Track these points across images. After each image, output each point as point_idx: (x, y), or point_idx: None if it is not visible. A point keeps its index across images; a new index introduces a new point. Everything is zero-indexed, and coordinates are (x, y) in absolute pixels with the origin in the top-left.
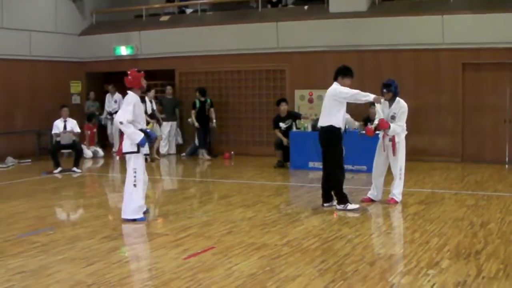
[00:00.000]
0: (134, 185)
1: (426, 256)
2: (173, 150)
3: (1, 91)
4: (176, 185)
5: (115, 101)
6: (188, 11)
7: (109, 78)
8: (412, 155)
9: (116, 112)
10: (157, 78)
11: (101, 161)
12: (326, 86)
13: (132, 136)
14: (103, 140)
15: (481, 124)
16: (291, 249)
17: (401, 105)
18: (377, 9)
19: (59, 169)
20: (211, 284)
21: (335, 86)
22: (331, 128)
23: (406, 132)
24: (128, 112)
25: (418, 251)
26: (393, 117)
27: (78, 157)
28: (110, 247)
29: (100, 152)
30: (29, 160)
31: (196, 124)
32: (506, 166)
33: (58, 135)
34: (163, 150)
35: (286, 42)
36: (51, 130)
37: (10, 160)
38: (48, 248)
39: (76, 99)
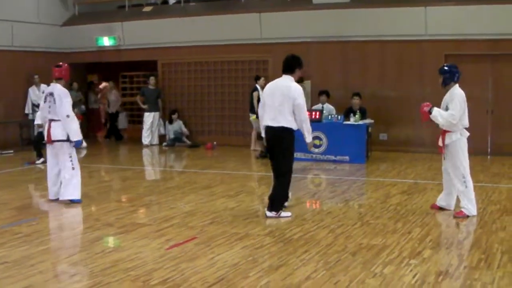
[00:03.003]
0: (73, 168)
1: (408, 246)
2: (155, 140)
3: None
4: (158, 175)
5: (43, 92)
6: (171, 1)
7: (92, 69)
8: (395, 146)
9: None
10: (140, 69)
11: (84, 152)
12: (309, 77)
13: (77, 133)
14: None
15: None
16: (273, 239)
17: (454, 92)
18: (360, 0)
19: (42, 159)
20: (193, 274)
21: (294, 84)
22: (289, 129)
23: (463, 130)
24: (69, 104)
25: (401, 241)
26: (447, 109)
27: None
28: (93, 237)
29: (84, 143)
30: (11, 151)
31: None
32: (488, 156)
33: (41, 125)
34: (145, 140)
35: (269, 33)
36: (33, 120)
37: None
38: (31, 238)
39: None
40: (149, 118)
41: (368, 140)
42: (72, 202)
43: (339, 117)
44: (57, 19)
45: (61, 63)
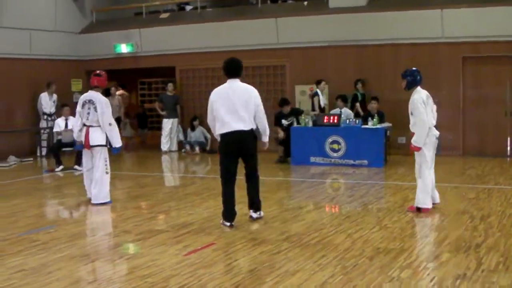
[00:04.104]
0: (106, 173)
1: (426, 250)
2: (174, 147)
3: (1, 90)
4: (177, 181)
5: (54, 102)
6: (188, 8)
7: (111, 76)
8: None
9: (54, 113)
10: (158, 75)
11: None
12: (327, 81)
13: (118, 139)
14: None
15: (482, 118)
16: (291, 244)
17: (414, 98)
18: (376, 4)
19: (61, 167)
20: (210, 280)
21: (251, 87)
22: (254, 132)
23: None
24: (110, 113)
25: (418, 245)
26: (412, 114)
27: (79, 155)
28: (111, 244)
29: None
30: (31, 159)
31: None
32: (508, 159)
33: (59, 133)
34: (164, 147)
35: (286, 38)
36: (52, 128)
37: (12, 159)
38: (48, 246)
39: (77, 97)
40: (168, 125)
41: (387, 143)
42: (105, 204)
43: (357, 121)
44: (75, 27)
45: (98, 71)
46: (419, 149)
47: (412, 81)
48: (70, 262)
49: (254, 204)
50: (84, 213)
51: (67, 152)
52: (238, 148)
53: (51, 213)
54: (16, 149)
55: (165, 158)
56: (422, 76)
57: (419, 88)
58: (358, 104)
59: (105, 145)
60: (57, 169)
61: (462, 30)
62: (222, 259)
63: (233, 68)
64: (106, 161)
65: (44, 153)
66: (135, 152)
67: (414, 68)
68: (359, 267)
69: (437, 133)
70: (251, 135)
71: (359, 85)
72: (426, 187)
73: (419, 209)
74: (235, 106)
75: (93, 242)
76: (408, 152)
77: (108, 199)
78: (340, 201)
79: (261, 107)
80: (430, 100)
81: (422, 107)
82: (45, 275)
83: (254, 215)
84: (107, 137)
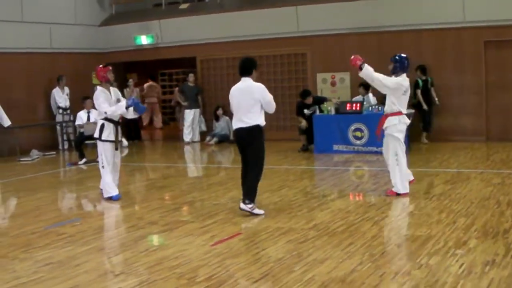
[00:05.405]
0: (102, 167)
1: (453, 236)
2: (197, 137)
3: (23, 85)
4: (201, 172)
5: (67, 95)
6: None
7: (131, 68)
8: (437, 135)
9: (69, 108)
10: (178, 66)
11: (126, 151)
12: (348, 68)
13: (119, 110)
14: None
15: (505, 102)
16: (318, 233)
17: (396, 79)
18: None
19: (84, 160)
20: (238, 270)
21: (256, 84)
22: (258, 127)
23: (402, 116)
24: (101, 103)
25: (445, 231)
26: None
27: None
28: (137, 236)
29: (125, 142)
30: (54, 153)
31: (425, 106)
32: None
33: (81, 126)
34: (187, 137)
35: (306, 26)
36: (74, 121)
37: (35, 153)
38: (75, 239)
39: None
40: (190, 115)
41: (409, 130)
42: (111, 199)
43: (379, 108)
44: (94, 20)
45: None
46: (357, 59)
47: (399, 66)
48: (97, 254)
49: (245, 195)
50: (109, 205)
51: (90, 145)
52: (240, 143)
53: (76, 206)
54: (39, 143)
55: (187, 149)
56: (409, 63)
57: (404, 75)
58: (419, 91)
59: (98, 138)
60: (80, 162)
61: (483, 14)
62: (250, 248)
63: (242, 67)
64: (101, 154)
65: (66, 146)
66: (158, 143)
67: (403, 54)
68: (387, 254)
69: (408, 121)
70: (252, 132)
71: (419, 72)
72: (402, 173)
73: (398, 194)
74: (239, 106)
75: (120, 234)
76: (431, 138)
77: (109, 194)
78: (364, 188)
79: (270, 102)
80: (408, 91)
81: (397, 85)
82: (72, 268)
83: (242, 205)
84: (99, 130)
